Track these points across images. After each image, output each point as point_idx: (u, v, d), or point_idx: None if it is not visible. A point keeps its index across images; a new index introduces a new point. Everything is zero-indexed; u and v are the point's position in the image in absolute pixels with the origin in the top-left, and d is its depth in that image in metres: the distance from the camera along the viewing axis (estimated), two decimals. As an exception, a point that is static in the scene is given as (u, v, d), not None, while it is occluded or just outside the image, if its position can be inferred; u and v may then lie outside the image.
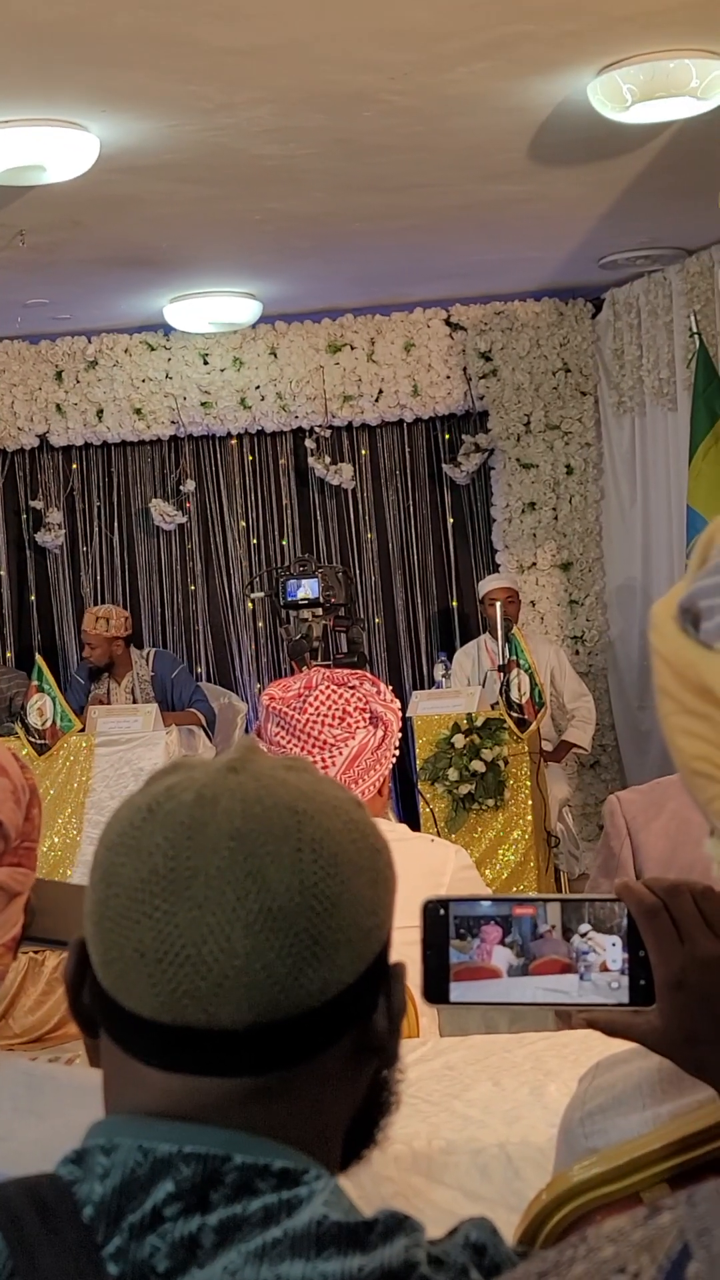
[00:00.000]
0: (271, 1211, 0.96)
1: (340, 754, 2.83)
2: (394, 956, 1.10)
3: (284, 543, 9.29)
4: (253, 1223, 0.96)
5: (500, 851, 7.00)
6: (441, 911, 1.23)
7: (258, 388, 9.09)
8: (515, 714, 7.07)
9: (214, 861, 1.01)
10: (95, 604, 9.07)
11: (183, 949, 1.00)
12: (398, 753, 2.95)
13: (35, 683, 7.26)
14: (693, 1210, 0.71)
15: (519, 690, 7.10)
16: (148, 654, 8.20)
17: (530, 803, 7.02)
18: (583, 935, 1.22)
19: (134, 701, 7.92)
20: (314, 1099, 1.04)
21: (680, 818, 2.95)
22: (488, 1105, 2.29)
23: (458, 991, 1.22)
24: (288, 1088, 1.03)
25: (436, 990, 1.22)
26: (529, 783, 7.04)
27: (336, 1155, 1.08)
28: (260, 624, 9.29)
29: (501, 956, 1.22)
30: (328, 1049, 1.04)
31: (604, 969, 1.22)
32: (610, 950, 1.22)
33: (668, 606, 0.78)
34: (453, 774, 6.96)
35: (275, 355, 9.07)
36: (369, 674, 3.01)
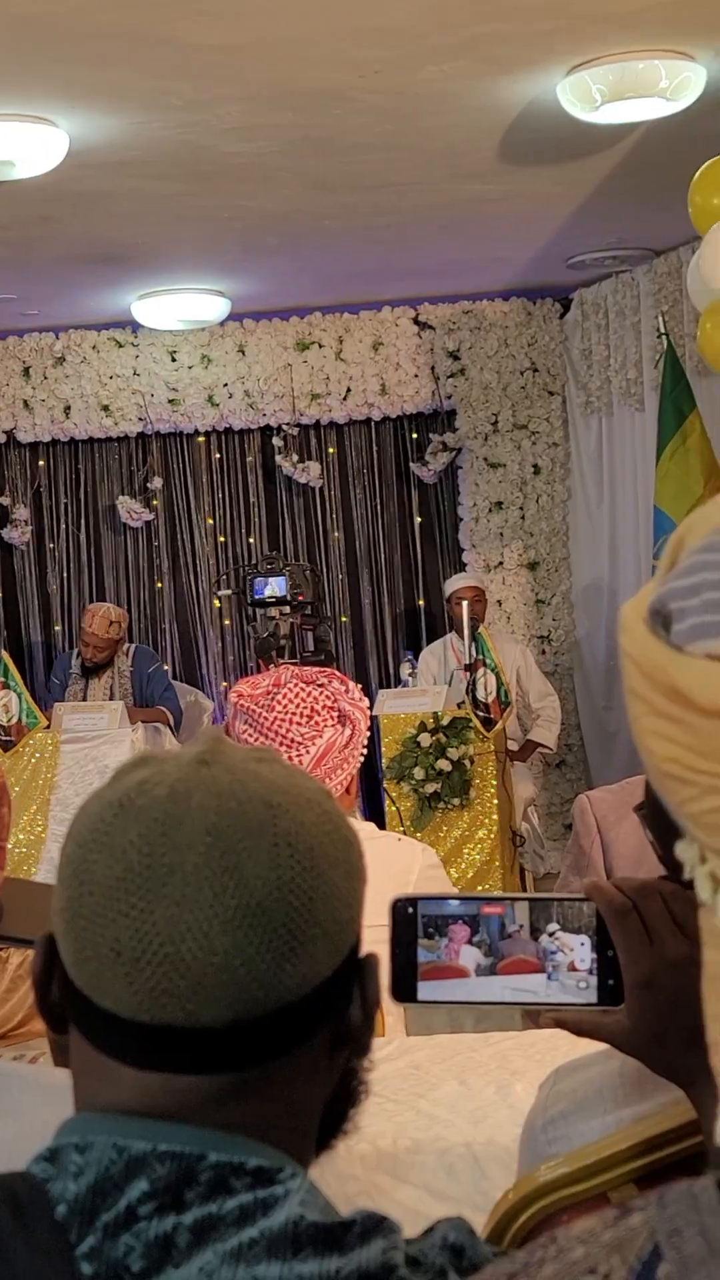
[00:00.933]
0: (247, 1210, 0.96)
1: (308, 752, 2.83)
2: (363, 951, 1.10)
3: (251, 541, 9.28)
4: (228, 1222, 0.95)
5: (465, 850, 7.01)
6: (410, 910, 1.22)
7: (225, 385, 9.07)
8: (481, 713, 7.08)
9: (190, 858, 1.00)
10: (63, 601, 9.07)
11: (160, 947, 0.99)
12: (366, 751, 2.94)
13: (1, 679, 7.23)
14: (663, 1211, 0.71)
15: (485, 689, 7.11)
16: (129, 650, 8.19)
17: (496, 802, 7.04)
18: (551, 935, 1.22)
19: (111, 698, 7.90)
20: (290, 1093, 1.04)
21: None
22: (454, 1104, 2.29)
23: (425, 990, 1.22)
24: (265, 1083, 1.02)
25: (404, 989, 1.22)
26: (494, 782, 7.05)
27: (311, 1148, 1.08)
28: (227, 622, 9.27)
29: (469, 956, 1.22)
30: (305, 1043, 1.03)
31: (572, 969, 1.21)
32: (579, 950, 1.22)
33: (637, 608, 0.78)
34: (419, 773, 6.97)
35: (243, 353, 9.06)
36: (337, 672, 3.01)
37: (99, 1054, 1.03)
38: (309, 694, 2.88)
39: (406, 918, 1.22)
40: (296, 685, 2.89)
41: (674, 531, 0.80)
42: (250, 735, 2.86)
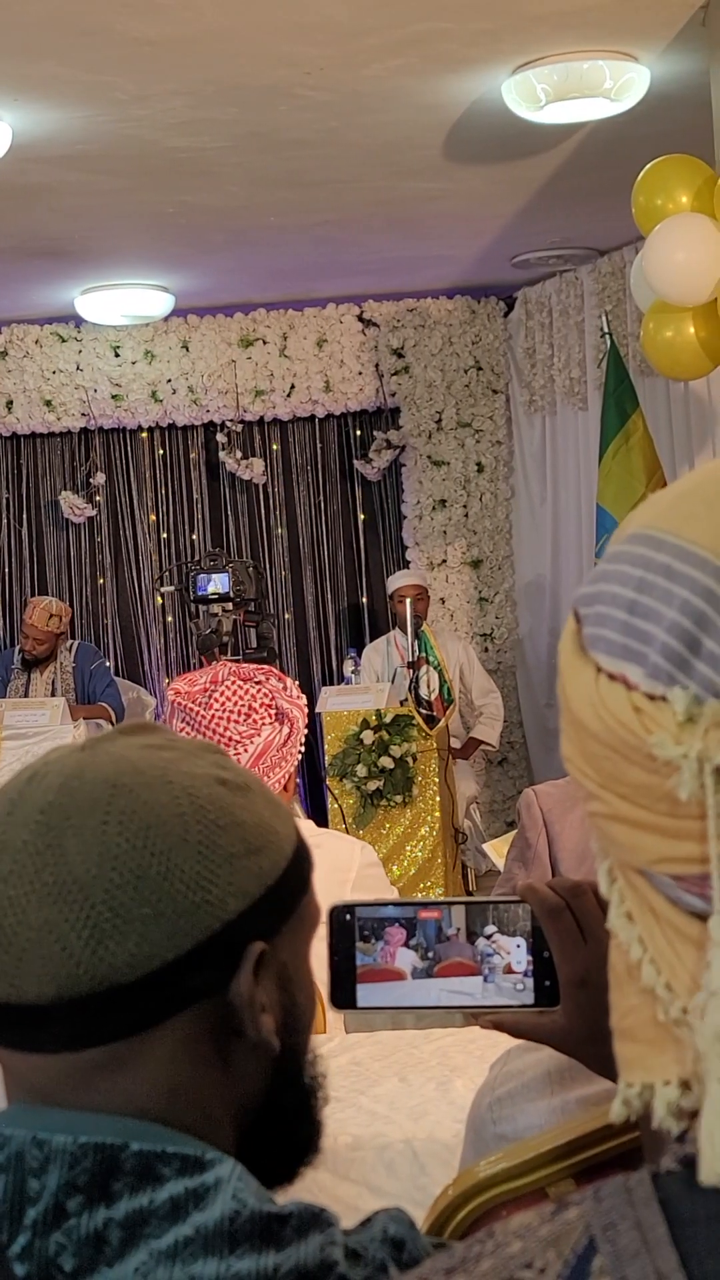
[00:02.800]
0: (179, 1203, 0.95)
1: (246, 750, 2.82)
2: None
3: (194, 537, 9.26)
4: (160, 1215, 0.94)
5: (408, 848, 7.02)
6: (347, 917, 1.22)
7: (169, 381, 9.05)
8: (424, 711, 7.09)
9: (21, 835, 1.01)
10: (4, 597, 9.00)
11: None
12: (304, 749, 2.94)
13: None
14: (598, 1205, 0.71)
15: (428, 687, 7.12)
16: (71, 646, 8.15)
17: (438, 799, 7.05)
18: (487, 938, 1.22)
19: (53, 694, 7.86)
20: (166, 1076, 1.02)
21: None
22: (394, 1101, 2.29)
23: (364, 996, 1.22)
24: (124, 1064, 1.01)
25: (343, 996, 1.22)
26: (437, 779, 7.06)
27: (229, 1138, 1.06)
28: (169, 618, 9.25)
29: (405, 959, 1.22)
30: (160, 1025, 1.02)
31: (509, 971, 1.22)
32: (515, 952, 1.22)
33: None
34: (361, 770, 6.97)
35: (187, 349, 9.04)
36: (275, 669, 3.00)
37: None
38: (246, 691, 2.87)
39: (344, 924, 1.22)
40: (234, 683, 2.88)
41: (617, 530, 0.81)
42: (188, 733, 2.85)
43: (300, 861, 1.11)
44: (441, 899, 1.29)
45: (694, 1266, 0.67)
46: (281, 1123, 1.09)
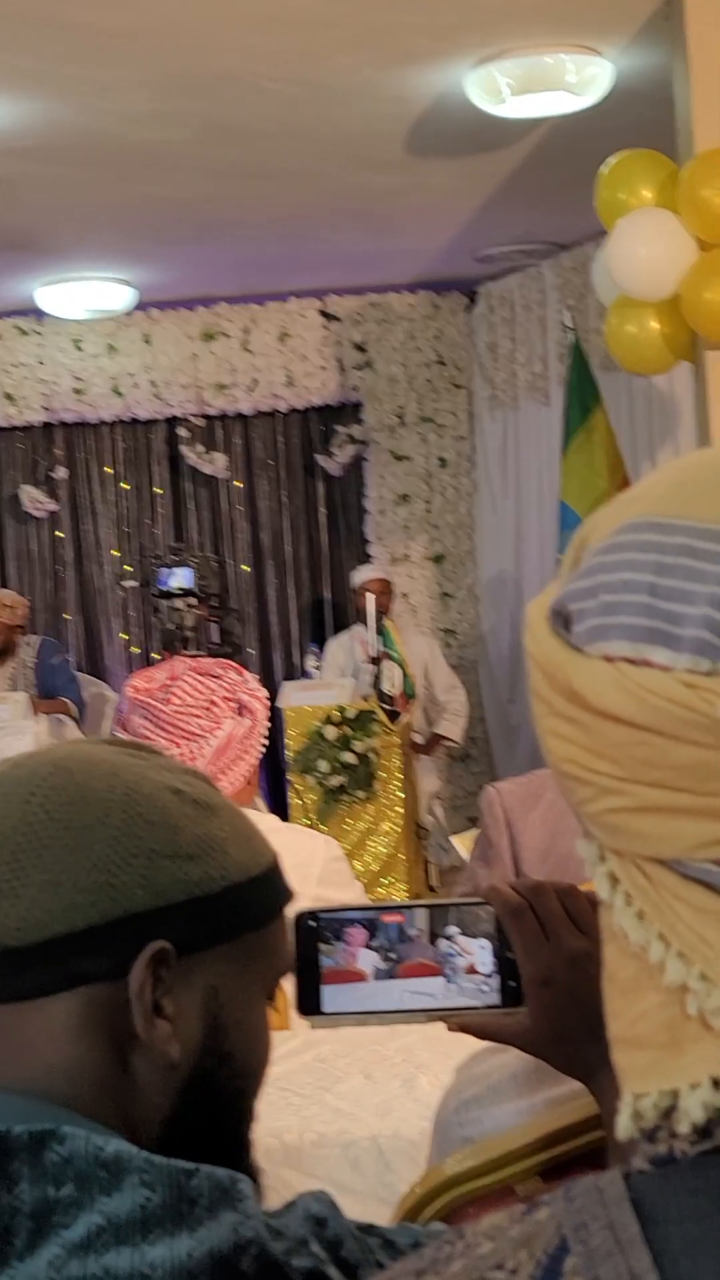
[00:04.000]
0: (85, 1184, 0.93)
1: (208, 745, 2.80)
2: None
3: (156, 532, 9.24)
4: (66, 1204, 0.93)
5: (370, 843, 7.02)
6: (312, 924, 1.22)
7: (131, 375, 9.02)
8: (386, 706, 7.09)
9: None
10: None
11: None
12: (266, 742, 2.93)
13: None
14: (570, 1205, 0.71)
15: (390, 682, 7.12)
16: (33, 641, 8.11)
17: (400, 795, 7.05)
18: (449, 939, 1.23)
19: (14, 688, 7.82)
20: (57, 1056, 1.03)
21: (558, 808, 2.97)
22: (359, 1098, 2.29)
23: (329, 999, 1.22)
24: (5, 1031, 1.03)
25: (309, 1002, 1.22)
26: (399, 775, 7.07)
27: (125, 1132, 1.04)
28: (132, 613, 9.23)
29: (367, 959, 1.22)
30: (46, 998, 1.03)
31: (472, 971, 1.22)
32: (479, 954, 1.23)
33: (541, 608, 0.79)
34: (324, 765, 6.97)
35: (149, 342, 9.01)
36: (233, 663, 2.99)
37: None
38: (206, 686, 2.85)
39: (308, 930, 1.22)
40: (193, 677, 2.87)
41: (578, 531, 0.80)
42: (147, 729, 2.83)
43: (256, 896, 1.11)
44: (404, 902, 1.30)
45: (667, 1266, 0.67)
46: (193, 1153, 1.06)
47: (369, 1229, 1.01)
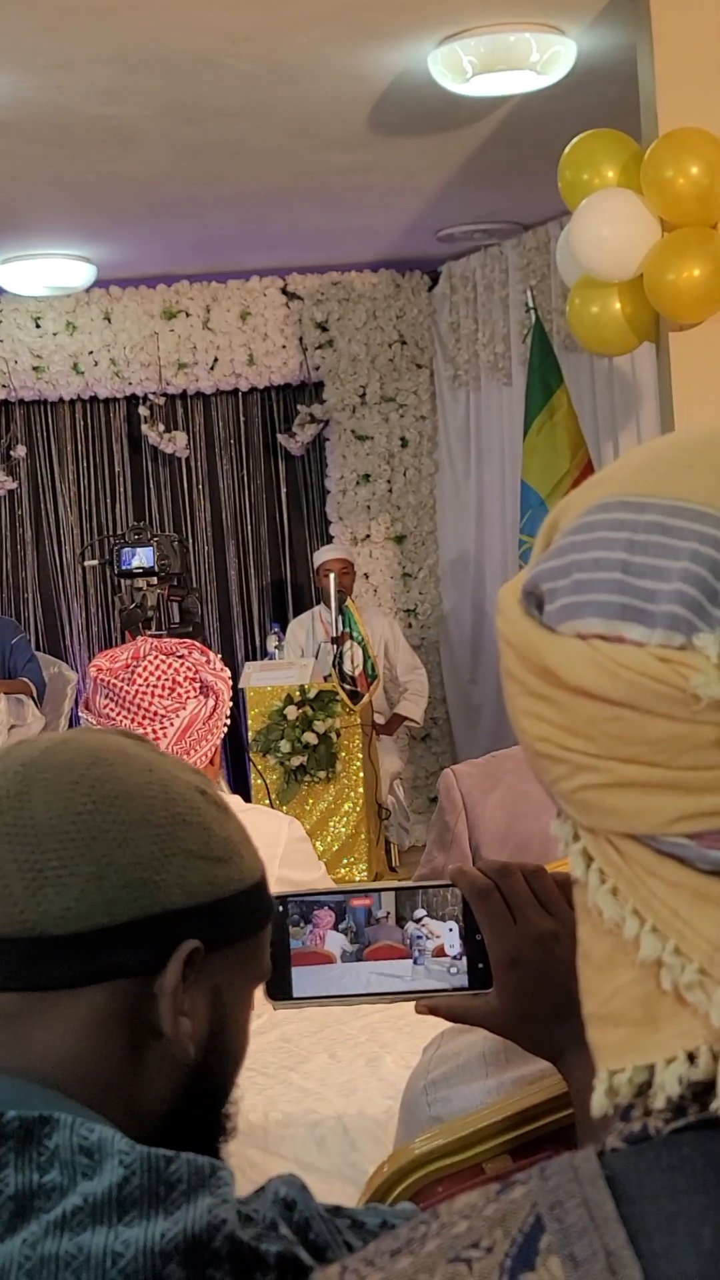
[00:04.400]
0: (66, 1168, 0.94)
1: (171, 725, 2.80)
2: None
3: (116, 511, 9.21)
4: (49, 1188, 0.94)
5: (331, 823, 7.02)
6: (281, 907, 1.23)
7: (91, 353, 8.98)
8: (348, 686, 7.09)
9: (1, 786, 1.05)
10: None
11: None
12: (229, 722, 2.92)
13: None
14: (545, 1184, 0.71)
15: (352, 662, 7.12)
16: (-11, 620, 8.08)
17: (361, 775, 7.06)
18: (417, 921, 1.24)
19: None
20: (69, 1046, 1.03)
21: (516, 790, 2.98)
22: (324, 1077, 2.30)
23: (299, 983, 1.22)
24: (33, 1017, 1.03)
25: (278, 987, 1.22)
26: (360, 755, 7.07)
27: (120, 1122, 1.05)
28: (92, 592, 9.20)
29: (335, 941, 1.23)
30: (78, 989, 1.03)
31: (440, 953, 1.23)
32: (447, 936, 1.24)
33: (513, 590, 0.80)
34: (285, 746, 6.96)
35: (109, 320, 8.97)
36: (197, 643, 2.98)
37: None
38: (170, 666, 2.85)
39: (278, 914, 1.22)
40: (157, 657, 2.87)
41: (549, 513, 0.81)
42: (111, 709, 2.83)
43: (259, 902, 1.13)
44: (371, 885, 1.30)
45: (642, 1243, 0.67)
46: (180, 1143, 1.07)
47: (336, 1210, 1.02)
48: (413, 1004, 1.26)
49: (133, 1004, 1.05)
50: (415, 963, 1.23)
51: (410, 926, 1.23)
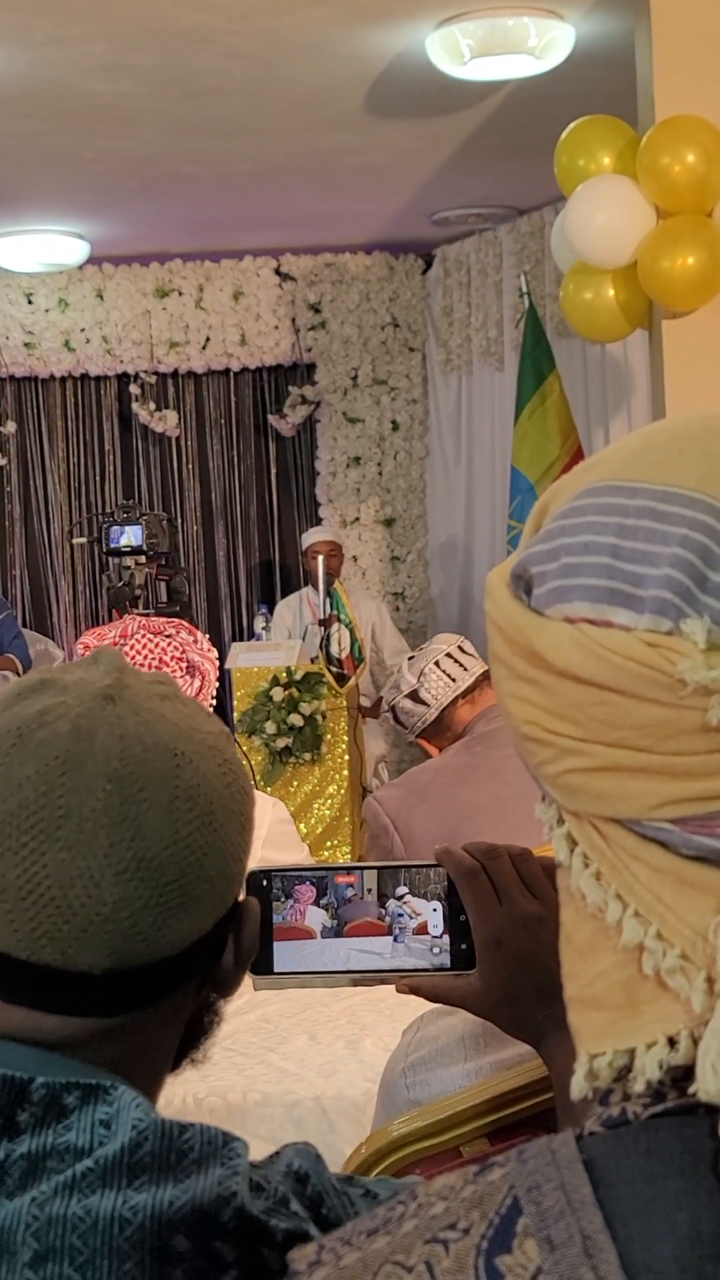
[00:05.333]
0: (82, 1133, 0.94)
1: (159, 704, 2.79)
2: None
3: (105, 489, 9.19)
4: (62, 1150, 0.94)
5: (315, 806, 7.03)
6: (264, 883, 1.23)
7: (83, 330, 8.95)
8: (334, 669, 7.08)
9: (89, 803, 0.99)
10: None
11: (48, 890, 0.97)
12: (215, 702, 2.92)
13: None
14: (523, 1167, 0.72)
15: (339, 645, 7.11)
16: (-24, 597, 8.07)
17: (347, 758, 7.06)
18: (399, 899, 1.24)
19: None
20: (150, 1038, 1.04)
21: (443, 798, 3.04)
22: (304, 1059, 2.30)
23: (280, 957, 1.23)
24: (131, 1029, 1.02)
25: (261, 961, 1.22)
26: (346, 738, 7.07)
27: (160, 1085, 1.08)
28: (79, 570, 9.18)
29: (315, 917, 1.23)
30: (177, 991, 1.03)
31: (422, 931, 1.23)
32: (430, 916, 1.24)
33: (502, 573, 0.80)
34: (270, 727, 6.96)
35: (101, 298, 8.94)
36: (185, 623, 2.98)
37: None
38: (157, 645, 2.85)
39: (261, 889, 1.22)
40: (144, 636, 2.86)
41: (539, 497, 0.81)
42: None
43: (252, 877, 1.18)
44: (356, 863, 1.30)
45: (618, 1227, 0.68)
46: (180, 1048, 1.12)
47: (350, 1180, 1.02)
48: (393, 986, 1.26)
49: (208, 975, 1.06)
50: (395, 940, 1.23)
51: (391, 904, 1.24)
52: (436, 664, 3.45)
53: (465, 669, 3.44)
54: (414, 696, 3.42)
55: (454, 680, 3.41)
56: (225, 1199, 0.92)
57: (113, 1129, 0.94)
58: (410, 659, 3.54)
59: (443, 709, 3.41)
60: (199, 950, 1.03)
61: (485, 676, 3.46)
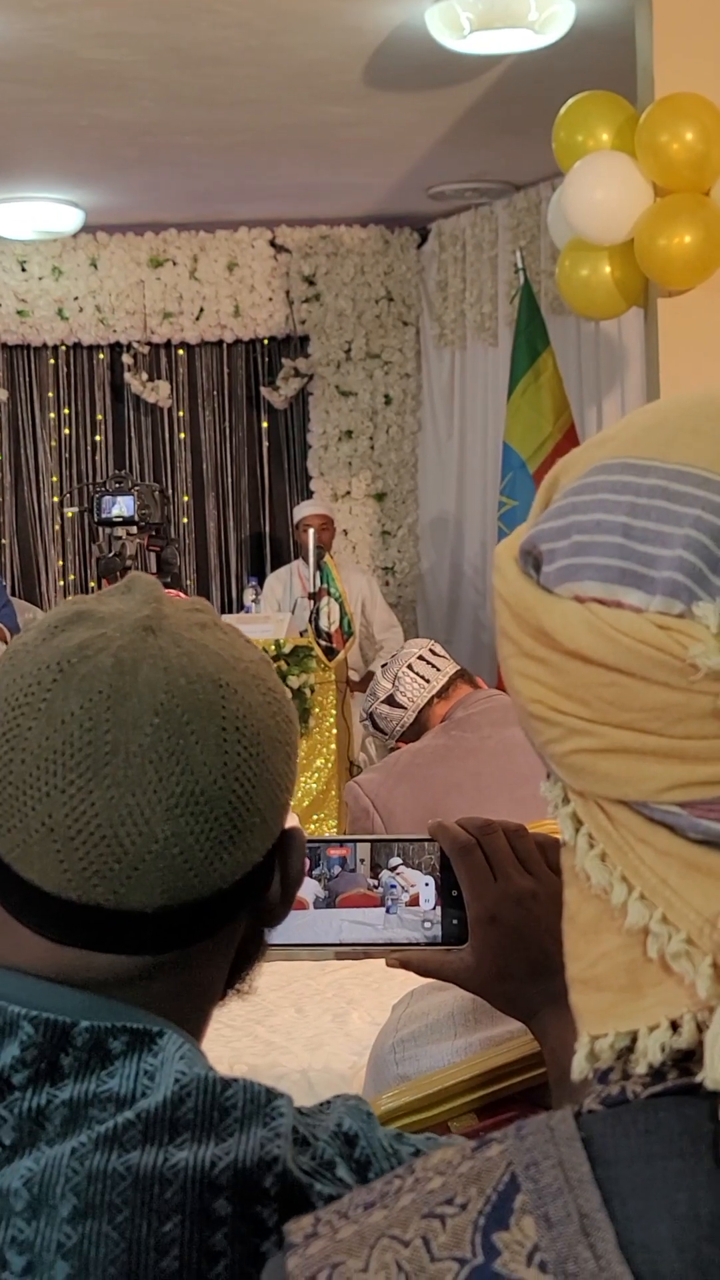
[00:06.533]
0: (125, 1081, 0.94)
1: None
2: None
3: (97, 459, 9.17)
4: (103, 1098, 0.93)
5: (303, 779, 7.03)
6: None
7: (76, 299, 8.92)
8: (323, 642, 7.08)
9: (136, 738, 0.97)
10: None
11: (98, 829, 0.96)
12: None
13: None
14: (521, 1143, 0.71)
15: (328, 618, 7.11)
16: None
17: (335, 731, 7.06)
18: (392, 870, 1.24)
19: (-57, 612, 7.76)
20: (200, 975, 1.03)
21: (420, 777, 3.09)
22: (291, 1031, 2.30)
23: (270, 931, 1.23)
24: (181, 965, 1.01)
25: None
26: (334, 712, 7.07)
27: (207, 1021, 1.07)
28: (69, 539, 9.16)
29: (308, 888, 1.23)
30: (228, 924, 1.02)
31: (414, 903, 1.23)
32: (423, 890, 1.24)
33: (510, 549, 0.79)
34: (259, 699, 6.96)
35: (95, 266, 8.91)
36: (177, 592, 2.98)
37: (10, 918, 1.00)
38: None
39: None
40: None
41: (550, 471, 0.80)
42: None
43: None
44: (350, 836, 1.30)
45: (616, 1206, 0.68)
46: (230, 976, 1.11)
47: (400, 1138, 1.01)
48: (381, 960, 1.26)
49: (256, 906, 1.05)
50: (388, 911, 1.23)
51: (384, 875, 1.24)
52: (409, 667, 3.58)
53: (438, 669, 3.57)
54: (390, 701, 3.54)
55: (428, 681, 3.53)
56: (268, 1163, 0.91)
57: (156, 1080, 0.93)
58: (384, 666, 3.70)
59: (419, 710, 3.53)
60: (249, 882, 1.01)
61: (457, 676, 3.59)
